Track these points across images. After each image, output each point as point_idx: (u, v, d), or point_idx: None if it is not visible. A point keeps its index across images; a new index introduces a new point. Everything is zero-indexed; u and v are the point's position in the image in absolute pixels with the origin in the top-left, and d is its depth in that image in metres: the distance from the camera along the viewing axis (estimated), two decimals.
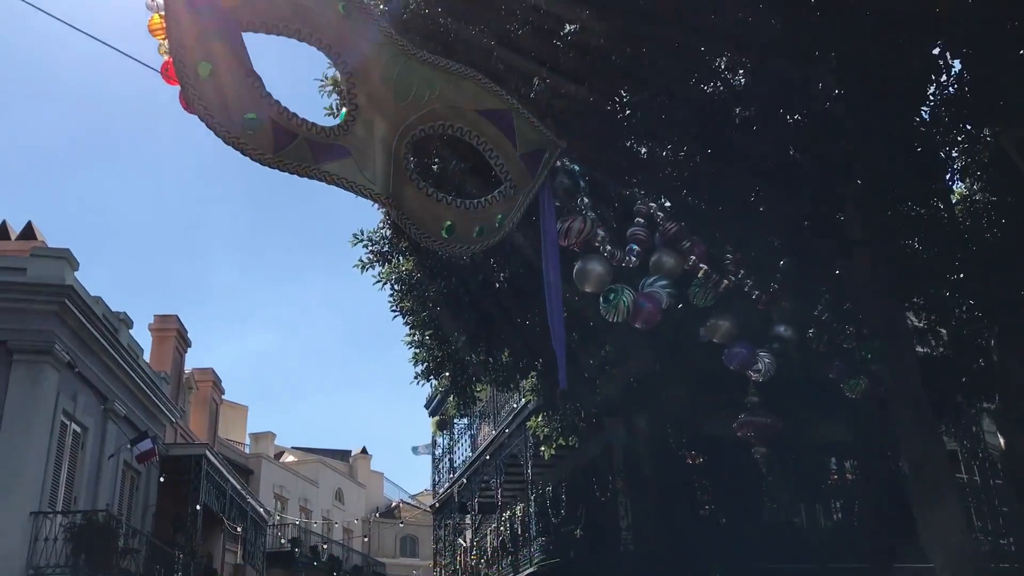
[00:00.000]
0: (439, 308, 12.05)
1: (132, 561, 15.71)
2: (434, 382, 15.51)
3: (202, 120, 4.79)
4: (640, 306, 7.04)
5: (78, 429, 16.03)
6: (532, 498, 17.67)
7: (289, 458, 39.54)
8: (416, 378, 14.61)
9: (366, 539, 39.66)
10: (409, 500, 47.21)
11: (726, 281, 7.80)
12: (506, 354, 14.20)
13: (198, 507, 19.35)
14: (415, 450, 48.35)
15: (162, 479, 19.35)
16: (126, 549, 15.54)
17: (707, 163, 10.59)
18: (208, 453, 20.57)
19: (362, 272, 13.04)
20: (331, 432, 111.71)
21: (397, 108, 5.70)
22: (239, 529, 23.04)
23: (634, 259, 7.09)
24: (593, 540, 16.78)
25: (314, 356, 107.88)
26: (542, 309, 12.28)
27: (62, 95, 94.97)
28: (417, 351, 14.31)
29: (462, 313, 11.49)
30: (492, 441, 20.10)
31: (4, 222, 20.84)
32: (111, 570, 13.98)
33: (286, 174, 5.15)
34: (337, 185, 5.45)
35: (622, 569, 16.48)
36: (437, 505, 25.87)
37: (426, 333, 13.39)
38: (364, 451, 45.92)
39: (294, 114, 5.07)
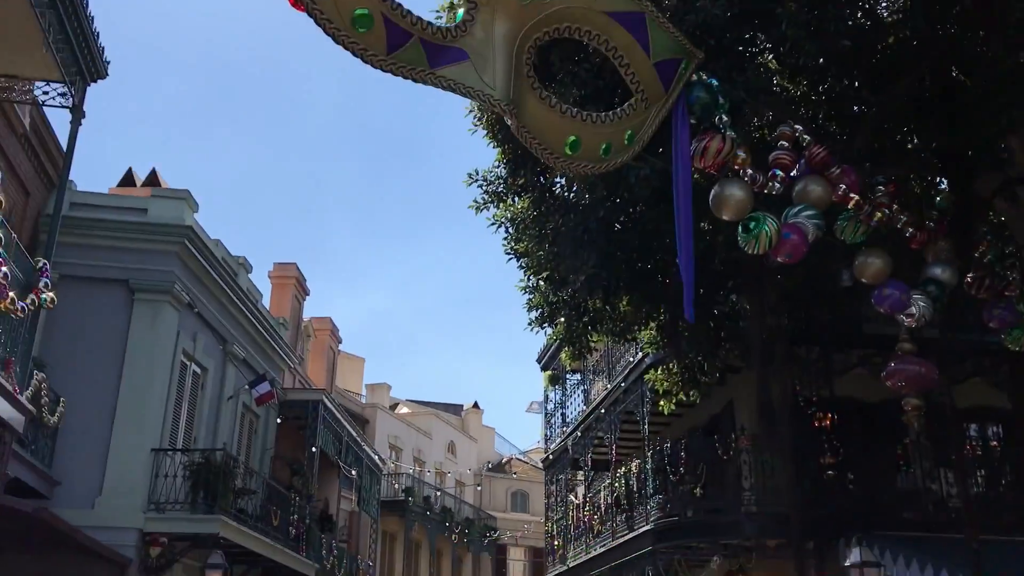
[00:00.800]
0: (556, 249, 11.50)
1: (249, 501, 15.89)
2: (548, 330, 15.06)
3: (310, 16, 4.33)
4: (784, 237, 6.34)
5: (198, 370, 16.25)
6: (649, 455, 17.05)
7: (403, 410, 39.99)
8: (530, 325, 14.16)
9: (479, 487, 39.84)
10: (520, 455, 47.28)
11: (879, 215, 6.98)
12: (624, 302, 13.59)
13: (314, 449, 19.50)
14: (530, 407, 48.52)
15: (280, 420, 19.55)
16: (243, 489, 15.71)
17: (858, 93, 9.69)
18: (325, 399, 20.71)
19: (476, 213, 12.60)
20: (443, 387, 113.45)
21: (520, 8, 5.10)
22: (354, 473, 23.25)
23: (778, 186, 6.37)
24: (713, 499, 16.08)
25: (427, 315, 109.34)
26: (667, 252, 11.63)
27: (186, 58, 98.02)
28: (531, 297, 13.85)
29: (580, 254, 10.92)
30: (607, 396, 19.53)
31: (130, 169, 21.30)
32: (228, 509, 14.12)
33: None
34: (453, 91, 4.90)
35: (743, 530, 15.76)
36: (549, 460, 25.53)
37: (541, 277, 12.88)
38: (476, 406, 46.09)
39: (408, 11, 4.55)
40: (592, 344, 14.97)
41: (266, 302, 20.85)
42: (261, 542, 15.51)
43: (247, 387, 17.14)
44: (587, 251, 10.91)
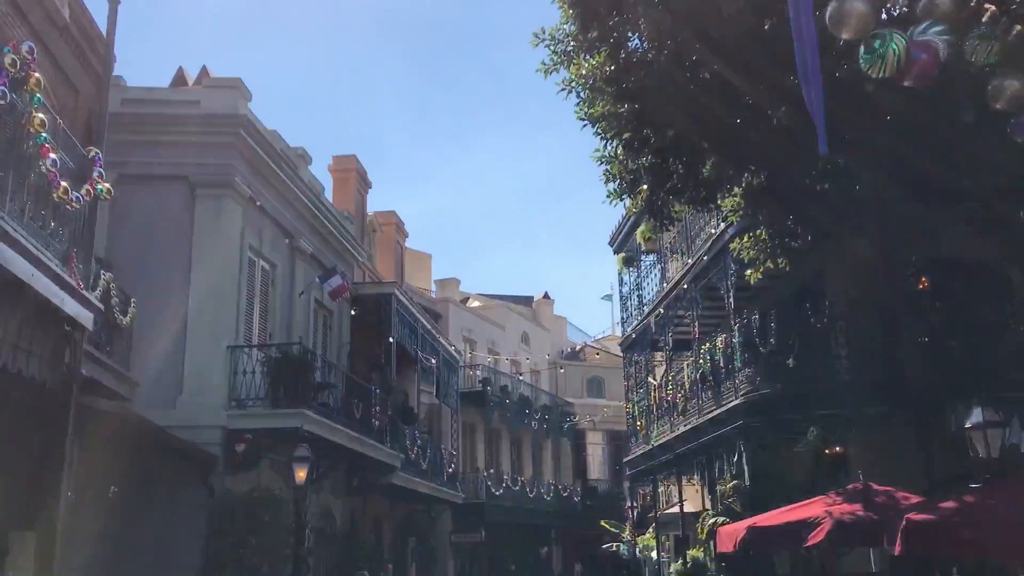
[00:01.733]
0: (637, 105, 10.58)
1: (330, 395, 15.70)
2: (626, 203, 14.24)
3: None
4: (914, 56, 5.46)
5: (267, 266, 15.90)
6: (736, 328, 16.33)
7: (474, 303, 39.77)
8: (608, 197, 13.36)
9: (562, 370, 39.76)
10: (593, 343, 47.01)
11: (1018, 27, 6.00)
12: (707, 166, 12.68)
13: (391, 340, 19.25)
14: (605, 297, 47.93)
15: (353, 313, 19.26)
16: (323, 383, 15.50)
17: None
18: (397, 292, 20.36)
19: (545, 77, 11.70)
20: (512, 280, 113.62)
21: None
22: (432, 361, 23.07)
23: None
24: (805, 370, 15.38)
25: (489, 211, 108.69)
26: (757, 108, 10.60)
27: None
28: (609, 167, 13.00)
29: (666, 109, 10.00)
30: (687, 271, 18.75)
31: (180, 68, 20.70)
32: (309, 403, 13.90)
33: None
34: None
35: (838, 400, 15.09)
36: (627, 343, 25.03)
37: (620, 142, 11.99)
38: (546, 296, 45.70)
39: None
40: (674, 214, 14.13)
41: (328, 196, 20.35)
42: (345, 434, 15.37)
43: (318, 280, 16.78)
44: (673, 105, 9.99)
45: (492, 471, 32.43)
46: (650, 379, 24.63)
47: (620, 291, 25.86)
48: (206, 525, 12.83)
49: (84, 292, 8.76)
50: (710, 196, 13.84)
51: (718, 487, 17.37)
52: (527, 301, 45.41)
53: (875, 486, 9.78)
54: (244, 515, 12.90)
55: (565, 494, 37.23)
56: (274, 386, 13.73)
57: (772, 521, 9.17)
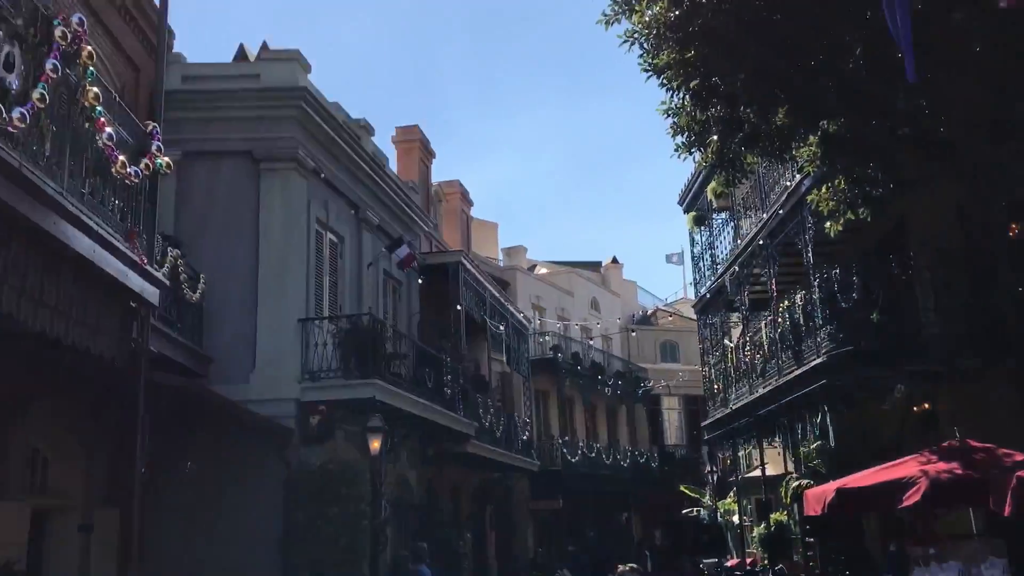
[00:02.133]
0: (706, 50, 10.07)
1: (402, 365, 15.59)
2: (696, 157, 13.72)
3: None
4: None
5: (334, 238, 15.82)
6: (815, 283, 15.70)
7: (542, 271, 39.46)
8: (676, 151, 12.86)
9: (633, 333, 39.22)
10: (664, 306, 46.34)
11: None
12: (781, 113, 12.10)
13: (459, 307, 19.07)
14: (669, 258, 47.24)
15: (420, 281, 19.12)
16: (395, 354, 15.39)
17: None
18: (464, 260, 20.15)
19: (606, 28, 11.24)
20: (579, 246, 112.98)
21: None
22: (501, 328, 22.88)
23: None
24: (891, 325, 14.72)
25: (554, 179, 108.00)
26: (834, 50, 10.00)
27: None
28: (676, 119, 12.50)
29: (736, 50, 9.49)
30: (762, 228, 18.11)
31: (241, 45, 20.66)
32: (381, 373, 13.79)
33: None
34: None
35: (927, 355, 14.40)
36: (700, 305, 24.46)
37: (687, 91, 11.47)
38: (615, 260, 45.11)
39: None
40: (747, 166, 13.57)
41: (392, 168, 20.18)
42: (418, 404, 15.26)
43: (385, 250, 16.64)
44: (742, 50, 9.47)
45: (567, 439, 32.23)
46: (726, 341, 24.07)
47: (692, 251, 25.26)
48: (283, 497, 12.86)
49: (148, 267, 8.70)
50: (784, 146, 13.24)
51: (801, 449, 16.87)
52: (595, 267, 44.91)
53: (973, 443, 9.22)
54: (320, 487, 12.90)
55: (642, 460, 36.88)
56: (346, 357, 13.66)
57: (863, 482, 8.71)
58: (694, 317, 47.25)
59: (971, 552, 8.16)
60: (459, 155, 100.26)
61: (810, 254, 16.16)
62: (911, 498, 7.72)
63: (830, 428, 15.29)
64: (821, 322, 15.57)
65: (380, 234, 17.62)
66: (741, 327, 25.13)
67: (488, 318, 22.14)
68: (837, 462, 15.26)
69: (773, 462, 23.82)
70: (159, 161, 8.90)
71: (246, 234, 14.09)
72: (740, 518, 24.92)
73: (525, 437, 25.51)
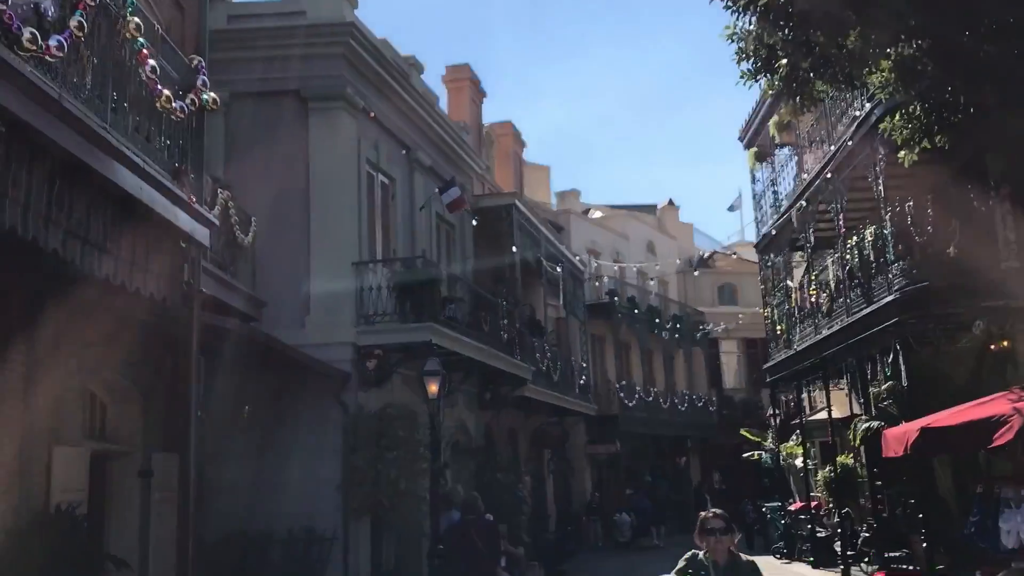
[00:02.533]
0: None
1: (458, 309, 15.32)
2: (761, 85, 13.05)
3: None
4: None
5: (385, 180, 15.50)
6: (887, 217, 14.99)
7: (596, 214, 38.81)
8: (742, 78, 12.23)
9: (696, 272, 38.51)
10: (722, 249, 45.46)
11: None
12: (853, 35, 11.37)
13: (514, 249, 18.71)
14: (732, 207, 46.12)
15: (475, 224, 18.76)
16: (450, 297, 15.11)
17: None
18: (517, 202, 19.73)
19: None
20: (633, 190, 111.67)
21: None
22: (558, 269, 22.48)
23: None
24: (968, 259, 13.99)
25: (605, 123, 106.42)
26: None
27: None
28: (742, 43, 11.84)
29: None
30: (829, 160, 17.32)
31: None
32: (436, 317, 13.53)
33: None
34: None
35: (1006, 290, 13.69)
36: (762, 244, 23.73)
37: (753, 13, 10.81)
38: (671, 203, 44.23)
39: None
40: (816, 93, 12.86)
41: (443, 108, 19.73)
42: (474, 347, 15.01)
43: (436, 191, 16.30)
44: None
45: (624, 383, 31.92)
46: (788, 282, 23.39)
47: (753, 189, 24.47)
48: (342, 441, 12.76)
49: (197, 206, 8.44)
50: (856, 72, 12.53)
51: (871, 390, 16.30)
52: (651, 210, 44.11)
53: None
54: (379, 431, 12.76)
55: (700, 404, 36.46)
56: (401, 301, 13.41)
57: (949, 421, 8.20)
58: (752, 259, 46.40)
59: None
60: (509, 101, 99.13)
61: (881, 187, 15.42)
62: (1003, 437, 7.22)
63: (902, 368, 14.69)
64: (893, 257, 14.89)
65: (432, 176, 17.26)
66: (805, 266, 24.45)
67: (544, 260, 21.73)
68: (910, 403, 14.69)
69: (839, 404, 23.21)
70: (205, 96, 8.60)
71: (297, 176, 13.83)
72: (804, 461, 24.45)
73: (582, 381, 25.24)
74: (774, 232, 22.01)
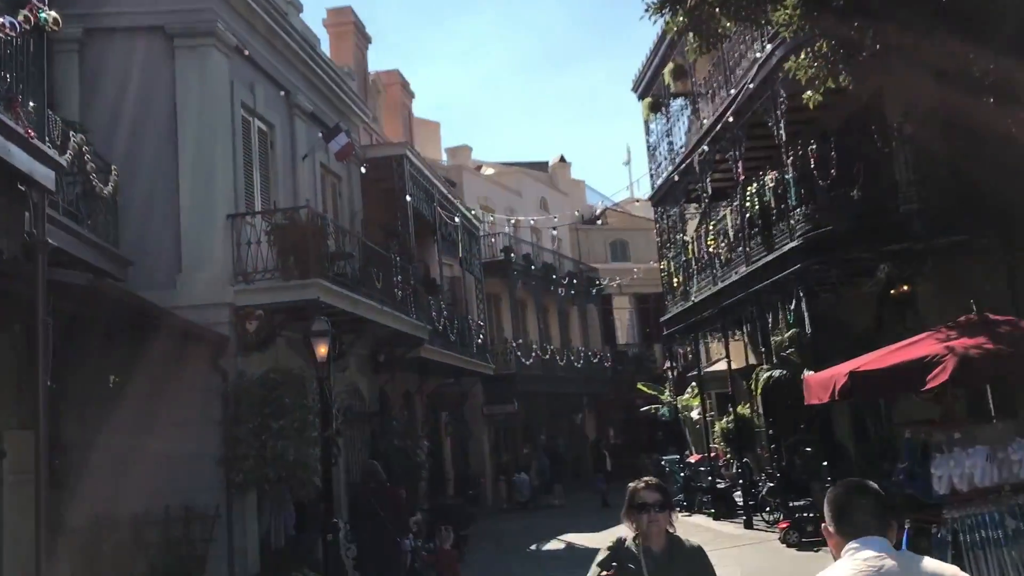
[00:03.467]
0: None
1: (347, 265, 14.29)
2: (663, 21, 12.43)
3: None
4: None
5: (263, 126, 14.26)
6: (789, 162, 14.67)
7: (488, 171, 37.97)
8: (646, 12, 11.59)
9: (591, 223, 37.98)
10: (614, 206, 45.33)
11: None
12: None
13: (408, 198, 17.72)
14: (625, 163, 46.02)
15: (364, 170, 17.62)
16: (339, 252, 14.07)
17: None
18: (409, 152, 18.67)
19: None
20: (523, 148, 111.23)
21: None
22: (457, 220, 21.58)
23: None
24: (870, 202, 13.80)
25: (492, 84, 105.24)
26: None
27: None
28: None
29: None
30: (730, 103, 16.92)
31: None
32: (324, 272, 12.49)
33: None
34: None
35: (908, 233, 13.57)
36: (657, 196, 23.38)
37: None
38: (562, 160, 43.73)
39: None
40: (721, 29, 12.31)
41: (325, 53, 18.43)
42: (366, 306, 14.01)
43: (321, 138, 15.14)
44: None
45: (520, 341, 31.40)
46: (683, 237, 23.14)
47: (647, 141, 24.04)
48: (223, 411, 11.64)
49: (37, 143, 7.22)
50: (759, 8, 12.05)
51: (772, 339, 16.13)
52: (543, 167, 43.53)
53: (994, 316, 8.33)
54: (263, 398, 11.68)
55: (595, 361, 36.32)
56: (283, 256, 12.30)
57: (878, 364, 7.79)
58: (643, 215, 46.45)
59: (996, 434, 7.35)
60: (395, 58, 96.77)
61: (782, 131, 15.10)
62: (938, 378, 6.82)
63: (805, 315, 14.49)
64: (795, 203, 14.61)
65: (315, 123, 16.05)
66: (699, 218, 24.24)
67: (440, 213, 20.78)
68: (813, 351, 14.52)
69: (736, 355, 23.22)
70: (43, 15, 7.35)
71: (163, 121, 12.50)
72: (704, 412, 24.46)
73: (480, 341, 24.53)
74: (667, 186, 21.63)
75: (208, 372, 11.72)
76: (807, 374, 9.75)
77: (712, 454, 23.94)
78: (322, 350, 11.42)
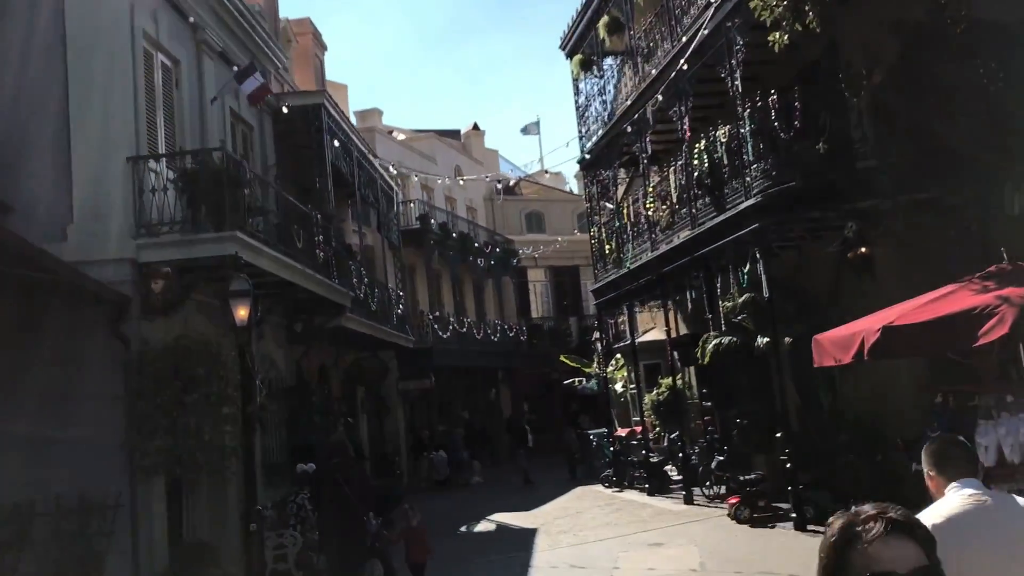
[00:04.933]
0: None
1: (264, 221, 12.70)
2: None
3: None
4: None
5: (167, 61, 12.49)
6: (745, 114, 13.70)
7: (400, 137, 36.28)
8: None
9: (501, 198, 36.66)
10: (527, 176, 44.20)
11: None
12: None
13: (327, 155, 16.13)
14: (525, 130, 44.90)
15: (284, 109, 15.87)
16: (256, 207, 12.46)
17: None
18: (327, 102, 17.02)
19: None
20: (433, 118, 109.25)
21: None
22: (377, 176, 19.96)
23: None
24: (831, 158, 12.94)
25: (396, 55, 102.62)
26: None
27: None
28: None
29: None
30: (676, 53, 15.85)
31: None
32: (242, 224, 10.89)
33: None
34: None
35: (870, 189, 12.79)
36: (587, 160, 22.28)
37: None
38: (476, 127, 42.32)
39: None
40: None
41: None
42: (289, 267, 12.47)
43: (233, 78, 13.45)
44: None
45: (437, 314, 30.05)
46: (606, 203, 22.14)
47: (576, 101, 22.88)
48: (124, 384, 10.00)
49: None
50: None
51: (724, 304, 15.24)
52: (454, 135, 42.05)
53: None
54: (172, 369, 10.09)
55: (511, 334, 35.24)
56: (193, 205, 10.66)
57: (916, 317, 6.80)
58: (558, 187, 45.49)
59: None
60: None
61: (737, 81, 14.12)
62: (995, 331, 5.85)
63: (763, 278, 13.61)
64: (752, 158, 13.67)
65: (224, 64, 14.31)
66: (627, 183, 23.29)
67: (355, 181, 19.16)
68: (771, 315, 13.68)
69: (661, 326, 22.45)
70: None
71: (50, 51, 10.69)
72: (630, 385, 23.65)
73: (400, 312, 23.07)
74: (606, 143, 20.52)
75: (106, 339, 10.05)
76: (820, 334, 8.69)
77: (638, 428, 23.17)
78: (242, 312, 9.87)
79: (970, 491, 2.97)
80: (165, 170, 11.21)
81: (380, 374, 21.47)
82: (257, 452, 12.53)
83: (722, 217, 14.47)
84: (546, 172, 35.17)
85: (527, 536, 16.03)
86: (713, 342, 15.43)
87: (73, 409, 9.67)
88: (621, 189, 22.98)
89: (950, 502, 2.97)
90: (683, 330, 20.66)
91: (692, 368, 21.20)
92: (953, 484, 3.03)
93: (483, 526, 17.98)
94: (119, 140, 10.76)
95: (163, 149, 11.93)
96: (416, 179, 31.76)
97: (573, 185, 46.61)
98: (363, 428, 22.73)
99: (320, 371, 18.68)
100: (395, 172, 27.75)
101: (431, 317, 28.99)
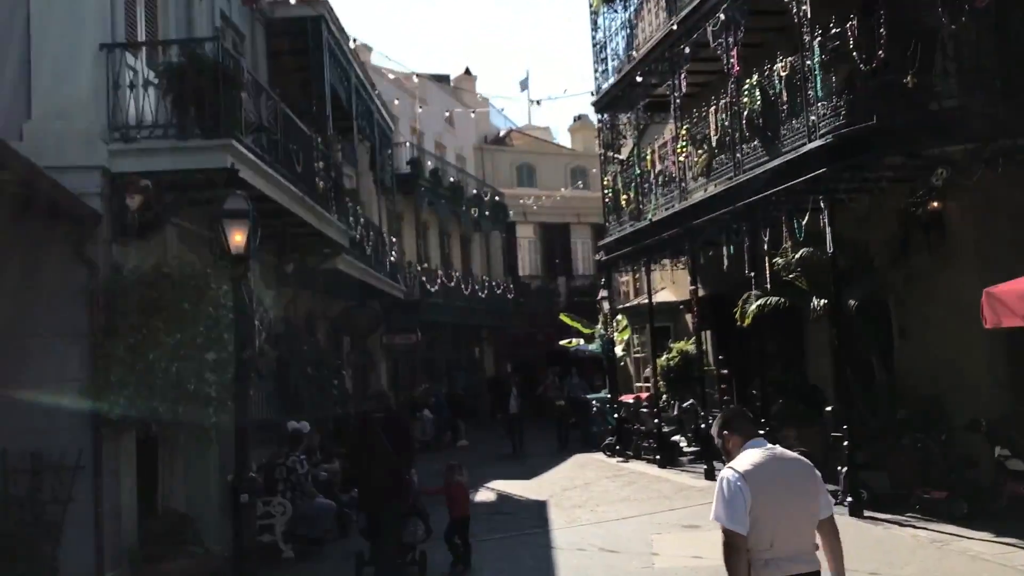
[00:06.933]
0: None
1: (262, 136, 10.78)
2: None
3: None
4: None
5: None
6: (815, 43, 11.94)
7: (391, 76, 34.09)
8: None
9: (496, 146, 34.64)
10: (519, 128, 42.28)
11: None
12: None
13: (324, 80, 14.20)
14: (523, 85, 42.97)
15: (277, 16, 13.91)
16: (256, 125, 10.51)
17: None
18: (327, 16, 15.02)
19: None
20: (422, 58, 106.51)
21: None
22: (374, 109, 17.97)
23: None
24: (918, 94, 11.25)
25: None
26: None
27: None
28: None
29: None
30: None
31: None
32: (239, 133, 9.00)
33: None
34: None
35: (954, 132, 11.16)
36: (606, 100, 20.47)
37: None
38: (467, 72, 40.21)
39: None
40: None
41: None
42: (290, 192, 10.61)
43: None
44: None
45: (425, 266, 28.26)
46: (613, 154, 20.40)
47: (593, 37, 21.01)
48: (89, 319, 8.17)
49: None
50: None
51: (776, 260, 13.59)
52: (444, 80, 39.90)
53: None
54: (149, 304, 8.27)
55: (499, 292, 33.55)
56: (179, 105, 8.75)
57: None
58: (551, 140, 43.58)
59: None
60: None
61: (806, 4, 12.34)
62: None
63: (827, 231, 11.99)
64: (820, 94, 11.94)
65: None
66: (644, 128, 21.52)
67: (354, 112, 17.20)
68: (835, 273, 12.07)
69: (679, 286, 20.89)
70: None
71: None
72: (652, 350, 22.03)
73: (393, 259, 21.25)
74: (630, 83, 18.66)
75: (67, 263, 8.20)
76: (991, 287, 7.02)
77: (644, 394, 21.68)
78: (238, 237, 8.01)
79: (762, 447, 4.08)
80: (145, 69, 9.29)
81: (372, 325, 19.71)
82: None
83: (777, 161, 12.78)
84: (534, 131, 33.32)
85: (537, 509, 14.47)
86: (756, 303, 13.80)
87: (24, 349, 7.87)
88: (630, 141, 21.23)
89: (752, 455, 4.03)
90: (702, 291, 19.05)
91: (709, 332, 19.69)
92: (749, 442, 4.11)
93: (483, 495, 16.37)
94: (90, 24, 8.81)
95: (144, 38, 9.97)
96: (406, 122, 29.73)
97: (563, 140, 44.78)
98: (347, 384, 20.98)
99: (307, 319, 16.89)
100: (387, 113, 25.70)
101: (419, 269, 27.18)
